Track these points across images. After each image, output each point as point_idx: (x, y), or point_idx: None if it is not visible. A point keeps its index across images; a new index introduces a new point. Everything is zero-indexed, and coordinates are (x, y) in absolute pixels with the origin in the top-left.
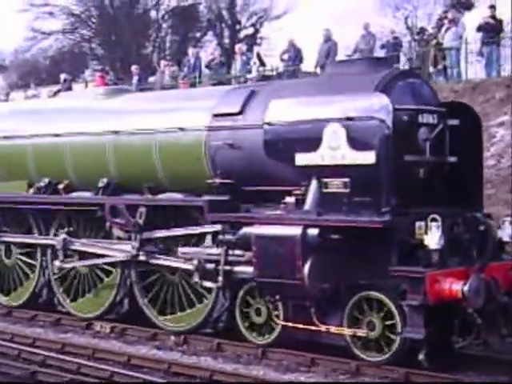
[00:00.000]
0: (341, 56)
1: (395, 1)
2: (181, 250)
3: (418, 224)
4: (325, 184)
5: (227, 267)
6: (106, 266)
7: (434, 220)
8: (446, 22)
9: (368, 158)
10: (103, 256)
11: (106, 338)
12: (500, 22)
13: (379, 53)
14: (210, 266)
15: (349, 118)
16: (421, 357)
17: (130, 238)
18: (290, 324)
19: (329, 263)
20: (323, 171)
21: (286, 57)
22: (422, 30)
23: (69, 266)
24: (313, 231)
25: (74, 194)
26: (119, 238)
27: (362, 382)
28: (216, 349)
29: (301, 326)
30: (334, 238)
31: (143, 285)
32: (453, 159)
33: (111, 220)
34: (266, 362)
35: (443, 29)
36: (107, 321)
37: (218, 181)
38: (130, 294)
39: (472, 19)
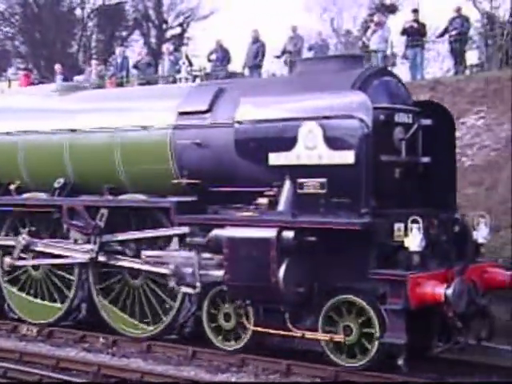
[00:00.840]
0: (269, 57)
1: (321, 3)
2: (147, 253)
3: (396, 226)
4: (300, 184)
5: (203, 271)
6: (62, 271)
7: (414, 222)
8: (372, 25)
9: (346, 157)
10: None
11: (33, 341)
12: (423, 25)
13: (307, 54)
14: (188, 270)
15: (325, 117)
16: (400, 362)
17: (88, 241)
18: (262, 329)
19: (304, 266)
20: (298, 171)
21: (213, 57)
22: (348, 33)
23: (21, 263)
24: (288, 233)
25: (27, 195)
26: (76, 241)
27: (294, 382)
28: (146, 350)
29: (273, 331)
30: (309, 241)
31: (102, 289)
32: (426, 159)
33: (69, 222)
34: (197, 362)
35: (369, 32)
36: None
37: (184, 181)
38: (88, 299)
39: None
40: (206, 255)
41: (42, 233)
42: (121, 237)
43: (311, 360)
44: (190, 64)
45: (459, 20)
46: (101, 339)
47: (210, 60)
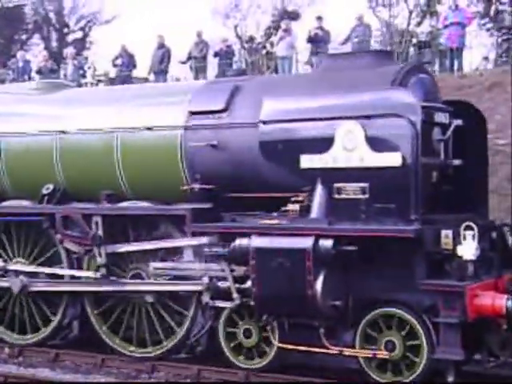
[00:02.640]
0: (174, 62)
1: (225, 9)
2: (159, 265)
3: (444, 232)
4: (337, 189)
5: (239, 284)
6: None
7: (468, 228)
8: (279, 31)
9: (393, 160)
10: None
11: None
12: (328, 32)
13: (213, 61)
14: (224, 284)
15: (367, 116)
16: (450, 379)
17: (86, 253)
18: (290, 346)
19: (342, 278)
20: (335, 175)
21: (118, 62)
22: (251, 39)
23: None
24: (326, 242)
25: (7, 203)
26: (71, 253)
27: (164, 382)
28: (54, 359)
29: (303, 348)
30: (348, 250)
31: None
32: (457, 162)
33: (63, 232)
34: (106, 370)
35: (276, 38)
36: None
37: (197, 187)
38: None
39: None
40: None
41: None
42: (128, 248)
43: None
44: (95, 69)
45: (361, 28)
46: (6, 349)
47: (115, 65)
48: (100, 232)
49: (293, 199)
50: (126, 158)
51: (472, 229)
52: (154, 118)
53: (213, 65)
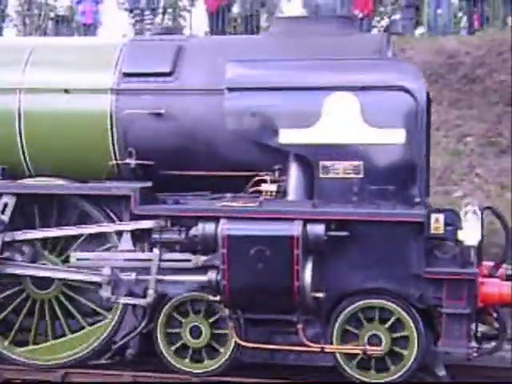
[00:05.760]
0: None
1: None
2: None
3: (434, 216)
4: (324, 168)
5: (161, 276)
6: None
7: (471, 211)
8: None
9: (396, 136)
10: None
11: None
12: None
13: None
14: (129, 276)
15: (364, 87)
16: (441, 373)
17: None
18: (254, 345)
19: (331, 267)
20: (322, 152)
21: None
22: None
23: None
24: (317, 228)
25: None
26: None
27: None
28: None
29: (286, 347)
30: (339, 236)
31: None
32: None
33: None
34: None
35: None
36: None
37: (133, 162)
38: None
39: None
40: (175, 256)
41: None
42: (47, 233)
43: None
44: None
45: None
46: None
47: None
48: (5, 216)
49: (256, 179)
50: (32, 126)
51: (475, 213)
52: (71, 78)
53: None
